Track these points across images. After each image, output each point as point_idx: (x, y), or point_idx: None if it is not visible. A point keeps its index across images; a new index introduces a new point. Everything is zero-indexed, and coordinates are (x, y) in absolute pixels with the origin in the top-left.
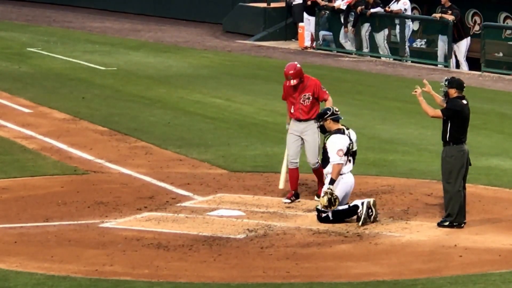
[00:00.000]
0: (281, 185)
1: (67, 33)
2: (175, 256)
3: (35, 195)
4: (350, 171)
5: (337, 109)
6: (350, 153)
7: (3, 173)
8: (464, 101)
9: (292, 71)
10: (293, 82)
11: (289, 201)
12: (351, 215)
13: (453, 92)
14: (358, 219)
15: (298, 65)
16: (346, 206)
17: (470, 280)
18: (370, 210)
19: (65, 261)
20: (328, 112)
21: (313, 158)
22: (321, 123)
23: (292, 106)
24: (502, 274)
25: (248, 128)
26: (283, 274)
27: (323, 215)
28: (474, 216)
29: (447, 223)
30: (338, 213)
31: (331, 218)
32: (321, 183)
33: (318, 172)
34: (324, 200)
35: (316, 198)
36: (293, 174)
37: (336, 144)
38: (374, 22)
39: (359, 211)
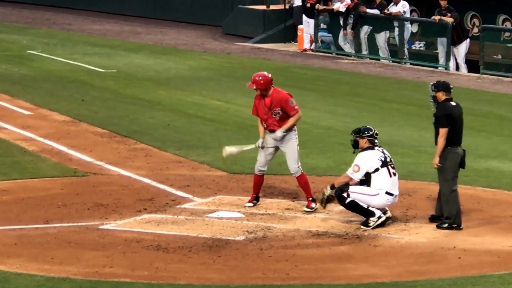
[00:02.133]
0: (225, 152)
1: (67, 35)
2: (175, 258)
3: (35, 197)
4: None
5: (377, 133)
6: (391, 165)
7: (3, 175)
8: (453, 103)
9: (258, 78)
10: (251, 85)
11: (251, 204)
12: (364, 215)
13: (441, 95)
14: (364, 223)
15: (269, 76)
16: (366, 205)
17: (469, 282)
18: (380, 224)
19: (65, 263)
20: (368, 132)
21: (293, 165)
22: (357, 138)
23: (264, 122)
24: (501, 276)
25: (248, 130)
26: (282, 275)
27: (344, 194)
28: (473, 218)
29: (446, 225)
30: (355, 206)
31: (346, 202)
32: (307, 193)
33: (302, 180)
34: (318, 197)
35: (305, 208)
36: (258, 180)
37: (358, 159)
38: (374, 24)
39: (372, 218)
